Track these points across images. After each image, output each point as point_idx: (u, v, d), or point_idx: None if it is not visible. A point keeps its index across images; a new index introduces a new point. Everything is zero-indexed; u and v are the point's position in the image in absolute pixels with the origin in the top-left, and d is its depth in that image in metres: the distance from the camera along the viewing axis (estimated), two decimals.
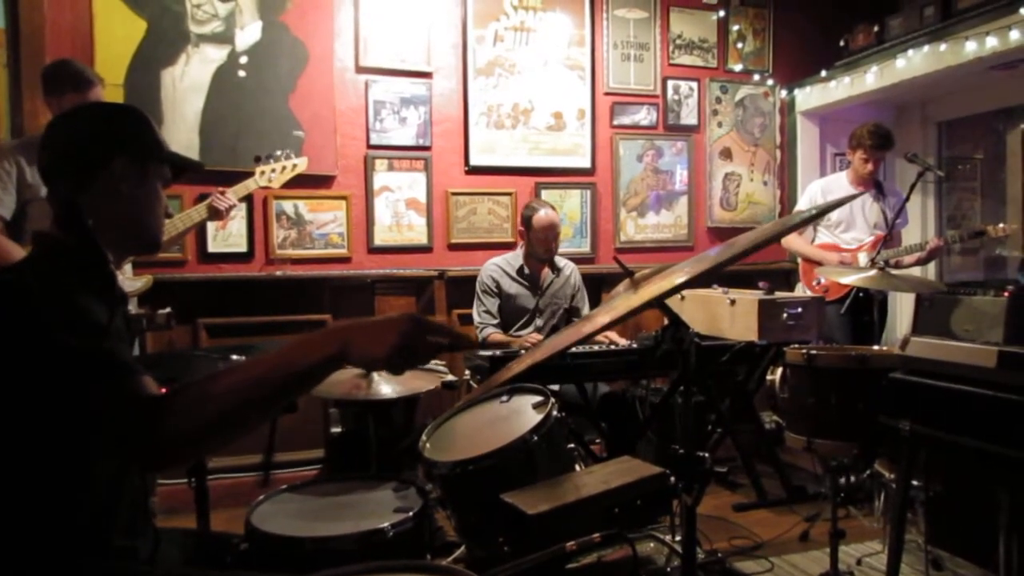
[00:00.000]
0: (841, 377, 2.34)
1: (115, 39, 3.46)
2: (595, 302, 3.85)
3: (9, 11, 3.27)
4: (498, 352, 2.87)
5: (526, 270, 3.49)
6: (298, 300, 3.77)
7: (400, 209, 3.97)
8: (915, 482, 2.25)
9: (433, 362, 2.51)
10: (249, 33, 3.69)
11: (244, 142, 3.62)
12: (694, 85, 4.53)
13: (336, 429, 3.03)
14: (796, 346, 2.56)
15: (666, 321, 1.39)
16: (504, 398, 2.19)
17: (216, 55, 3.64)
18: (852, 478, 2.97)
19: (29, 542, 1.06)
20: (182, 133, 3.57)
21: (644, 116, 4.43)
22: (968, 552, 2.50)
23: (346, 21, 3.85)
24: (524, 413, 2.04)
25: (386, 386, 2.38)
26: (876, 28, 4.10)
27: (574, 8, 4.25)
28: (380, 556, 1.53)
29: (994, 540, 2.00)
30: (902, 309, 4.40)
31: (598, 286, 3.91)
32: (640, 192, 4.45)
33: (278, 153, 3.21)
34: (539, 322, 3.49)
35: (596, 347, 3.10)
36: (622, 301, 1.39)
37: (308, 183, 3.68)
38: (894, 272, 2.96)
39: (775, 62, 4.71)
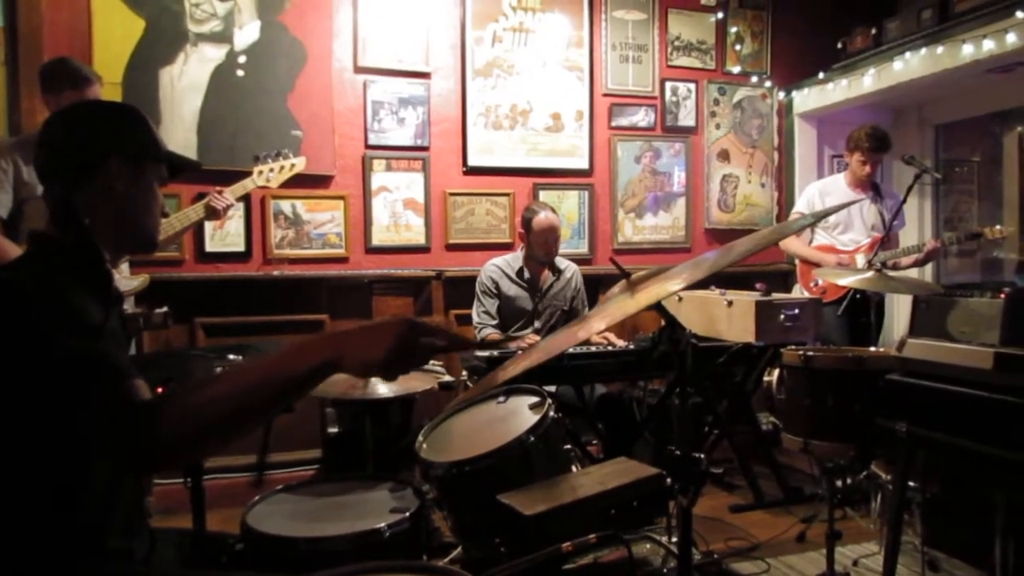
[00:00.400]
0: (838, 378, 2.34)
1: (113, 38, 3.46)
2: (592, 303, 3.85)
3: (7, 9, 3.27)
4: (495, 352, 2.87)
5: (526, 273, 3.49)
6: (295, 300, 3.77)
7: (398, 209, 3.97)
8: (912, 483, 2.26)
9: (430, 362, 2.51)
10: (248, 33, 3.69)
11: (242, 141, 3.62)
12: (692, 87, 4.53)
13: (333, 429, 3.04)
14: (793, 347, 2.56)
15: (663, 322, 1.39)
16: (501, 399, 2.19)
17: (214, 54, 3.63)
18: (849, 479, 2.97)
19: (25, 543, 1.06)
20: (180, 132, 3.56)
21: (642, 117, 4.43)
22: (964, 553, 2.51)
23: (344, 21, 3.84)
24: (521, 414, 2.04)
25: (383, 386, 2.38)
26: (874, 31, 4.11)
27: (572, 9, 4.25)
28: (376, 557, 1.53)
29: (990, 541, 2.00)
30: (899, 311, 4.41)
31: (595, 287, 3.91)
32: (638, 193, 4.46)
33: (276, 153, 3.21)
34: (537, 324, 3.49)
35: (593, 348, 3.10)
36: (618, 305, 1.39)
37: (306, 183, 3.68)
38: (891, 274, 2.96)
39: (773, 64, 4.71)
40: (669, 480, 1.37)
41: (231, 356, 2.13)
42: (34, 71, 2.86)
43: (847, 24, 4.36)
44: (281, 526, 1.68)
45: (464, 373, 3.18)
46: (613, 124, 4.37)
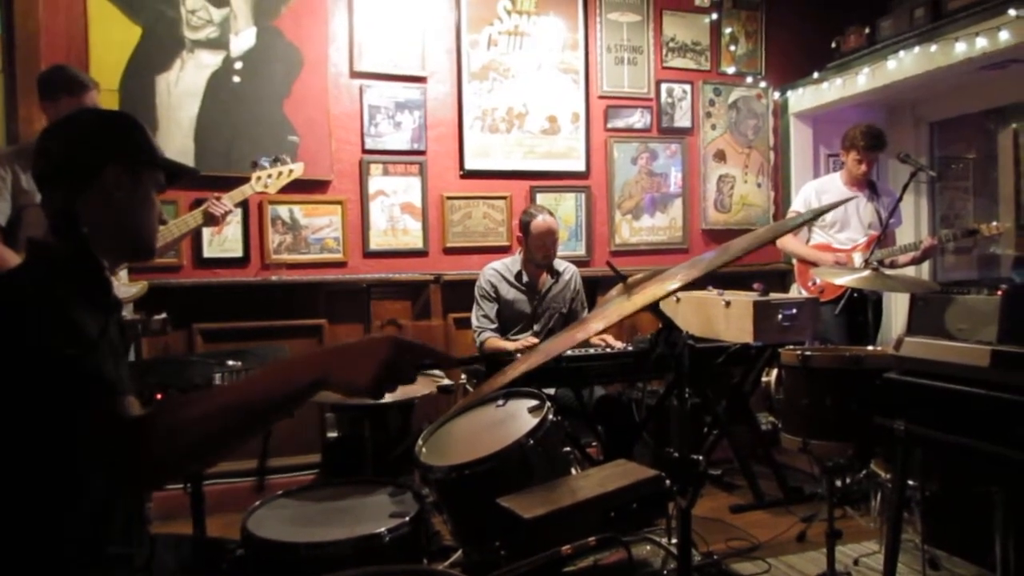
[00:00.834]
0: (836, 378, 2.34)
1: (110, 45, 3.46)
2: (591, 305, 3.85)
3: (4, 17, 3.27)
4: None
5: (524, 276, 3.48)
6: (293, 305, 3.77)
7: (395, 213, 3.97)
8: (911, 482, 2.26)
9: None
10: (244, 39, 3.69)
11: (239, 147, 3.62)
12: (687, 88, 4.54)
13: (332, 434, 3.03)
14: (791, 347, 2.57)
15: (660, 324, 1.40)
16: (500, 402, 2.19)
17: (211, 60, 3.64)
18: (848, 479, 2.97)
19: (23, 550, 1.06)
20: (177, 139, 3.57)
21: (638, 119, 4.44)
22: (965, 551, 2.51)
23: (340, 26, 3.85)
24: (520, 417, 2.04)
25: None
26: (867, 30, 4.13)
27: (567, 12, 4.26)
28: (377, 561, 1.53)
29: (990, 539, 2.00)
30: (897, 309, 4.42)
31: (593, 289, 3.91)
32: (635, 195, 4.46)
33: (274, 158, 3.21)
34: (537, 327, 3.49)
35: (592, 350, 3.11)
36: (615, 307, 1.40)
37: (303, 188, 3.68)
38: (888, 272, 2.98)
39: (768, 64, 4.72)
40: (668, 482, 1.37)
41: (230, 362, 2.13)
42: (31, 78, 2.87)
43: (841, 23, 4.37)
44: (281, 531, 1.68)
45: (463, 377, 3.18)
46: (609, 126, 4.37)
